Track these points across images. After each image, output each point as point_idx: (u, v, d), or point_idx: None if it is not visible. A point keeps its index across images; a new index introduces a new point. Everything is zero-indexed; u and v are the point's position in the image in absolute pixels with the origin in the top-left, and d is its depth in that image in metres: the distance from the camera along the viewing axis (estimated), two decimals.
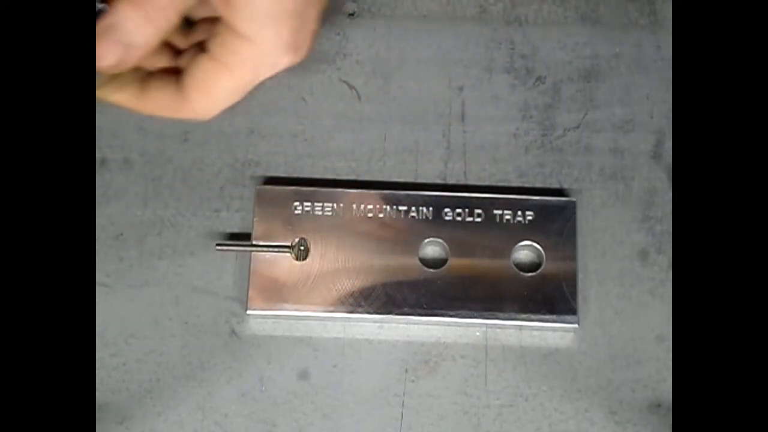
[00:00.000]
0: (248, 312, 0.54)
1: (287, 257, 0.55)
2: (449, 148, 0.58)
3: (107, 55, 0.43)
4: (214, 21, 0.47)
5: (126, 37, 0.43)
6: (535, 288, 0.54)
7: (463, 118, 0.59)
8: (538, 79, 0.59)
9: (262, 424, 0.53)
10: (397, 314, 0.54)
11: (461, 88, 0.59)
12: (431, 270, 0.55)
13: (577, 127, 0.58)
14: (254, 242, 0.55)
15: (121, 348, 0.54)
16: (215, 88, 0.47)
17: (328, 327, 0.55)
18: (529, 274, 0.55)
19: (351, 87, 0.59)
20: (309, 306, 0.54)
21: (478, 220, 0.55)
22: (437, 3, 0.61)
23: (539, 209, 0.56)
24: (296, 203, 0.56)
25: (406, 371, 0.54)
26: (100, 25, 0.43)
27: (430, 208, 0.56)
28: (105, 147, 0.58)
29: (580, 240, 0.56)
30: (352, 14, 0.60)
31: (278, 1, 0.44)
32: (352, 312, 0.54)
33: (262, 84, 0.56)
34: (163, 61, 0.48)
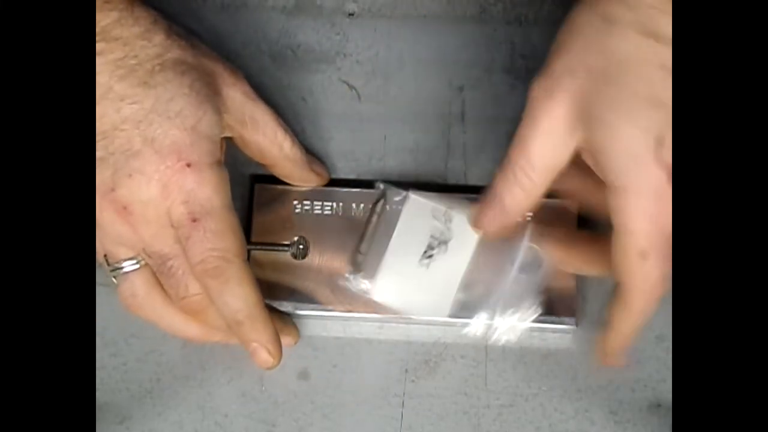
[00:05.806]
0: None
1: (287, 256, 0.55)
2: (449, 148, 0.58)
3: (491, 222, 0.49)
4: None
5: (506, 208, 0.49)
6: (534, 289, 0.54)
7: (463, 118, 0.59)
8: None
9: (262, 424, 0.53)
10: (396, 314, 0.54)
11: (461, 88, 0.59)
12: None
13: None
14: (253, 241, 0.55)
15: (121, 348, 0.54)
16: None
17: (328, 327, 0.55)
18: (528, 275, 0.54)
19: (351, 87, 0.59)
20: (308, 305, 0.54)
21: None
22: (437, 3, 0.61)
23: (539, 210, 0.55)
24: (296, 202, 0.56)
25: (406, 371, 0.54)
26: (486, 197, 0.49)
27: None
28: None
29: None
30: (352, 14, 0.60)
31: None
32: (351, 312, 0.54)
33: (262, 84, 0.56)
34: None
